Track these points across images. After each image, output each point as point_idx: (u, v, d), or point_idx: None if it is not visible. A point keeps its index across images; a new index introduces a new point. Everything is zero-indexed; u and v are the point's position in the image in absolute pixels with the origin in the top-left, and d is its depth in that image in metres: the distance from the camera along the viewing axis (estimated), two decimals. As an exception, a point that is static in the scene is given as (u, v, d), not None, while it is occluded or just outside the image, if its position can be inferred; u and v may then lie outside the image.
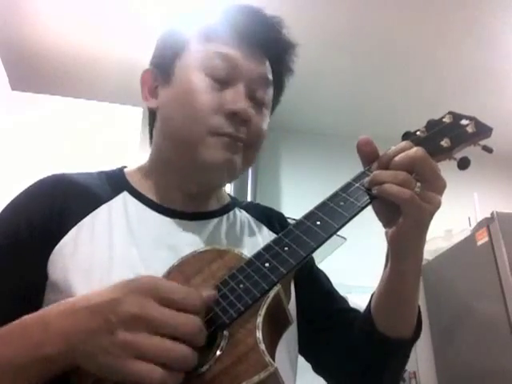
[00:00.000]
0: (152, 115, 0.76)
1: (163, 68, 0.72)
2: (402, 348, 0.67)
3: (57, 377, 0.48)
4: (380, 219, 0.64)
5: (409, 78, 2.57)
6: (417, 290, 0.65)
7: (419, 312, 0.67)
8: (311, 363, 0.78)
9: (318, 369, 0.77)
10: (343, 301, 0.79)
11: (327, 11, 2.15)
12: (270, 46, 0.72)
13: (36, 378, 0.47)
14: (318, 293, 0.78)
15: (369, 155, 0.62)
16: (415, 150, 0.58)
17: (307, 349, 0.76)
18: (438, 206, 0.58)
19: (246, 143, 0.69)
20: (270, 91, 0.74)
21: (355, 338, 0.69)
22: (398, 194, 0.55)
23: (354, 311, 0.77)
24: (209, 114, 0.66)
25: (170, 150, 0.72)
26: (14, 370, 0.47)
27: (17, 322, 0.50)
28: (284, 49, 0.74)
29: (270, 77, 0.73)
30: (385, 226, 0.63)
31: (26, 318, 0.49)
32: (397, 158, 0.58)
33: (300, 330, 0.73)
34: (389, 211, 0.60)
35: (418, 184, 0.57)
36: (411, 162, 0.57)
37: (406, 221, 0.58)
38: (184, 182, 0.73)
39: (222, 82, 0.68)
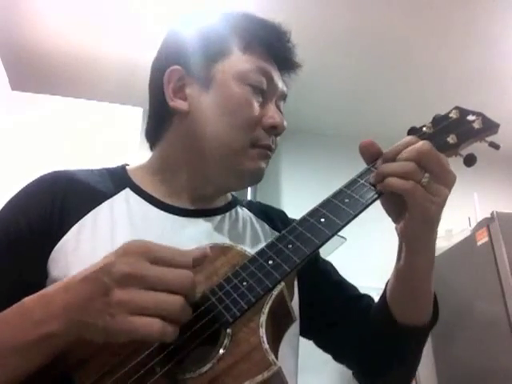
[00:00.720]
0: (167, 115, 0.73)
1: (197, 70, 0.71)
2: (420, 334, 0.68)
3: (57, 376, 0.48)
4: (389, 215, 0.64)
5: (409, 78, 2.57)
6: (431, 280, 0.65)
7: (435, 297, 0.67)
8: (330, 354, 0.79)
9: (338, 359, 0.78)
10: (353, 288, 0.80)
11: (328, 11, 2.15)
12: (288, 66, 0.76)
13: (41, 356, 0.47)
14: (327, 284, 0.79)
15: (372, 155, 0.62)
16: (421, 144, 0.57)
17: (323, 341, 0.77)
18: (445, 198, 0.57)
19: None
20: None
21: (370, 326, 0.70)
22: (400, 185, 0.55)
23: (366, 296, 0.77)
24: (253, 126, 0.70)
25: (194, 153, 0.71)
26: (17, 351, 0.47)
27: (16, 304, 0.49)
28: (294, 69, 0.77)
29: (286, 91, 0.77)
30: (394, 221, 0.63)
31: (25, 299, 0.49)
32: (403, 153, 0.57)
33: (313, 323, 0.73)
34: (397, 206, 0.60)
35: (427, 175, 0.56)
36: (417, 155, 0.56)
37: (412, 213, 0.57)
38: (202, 183, 0.74)
39: (262, 95, 0.71)
